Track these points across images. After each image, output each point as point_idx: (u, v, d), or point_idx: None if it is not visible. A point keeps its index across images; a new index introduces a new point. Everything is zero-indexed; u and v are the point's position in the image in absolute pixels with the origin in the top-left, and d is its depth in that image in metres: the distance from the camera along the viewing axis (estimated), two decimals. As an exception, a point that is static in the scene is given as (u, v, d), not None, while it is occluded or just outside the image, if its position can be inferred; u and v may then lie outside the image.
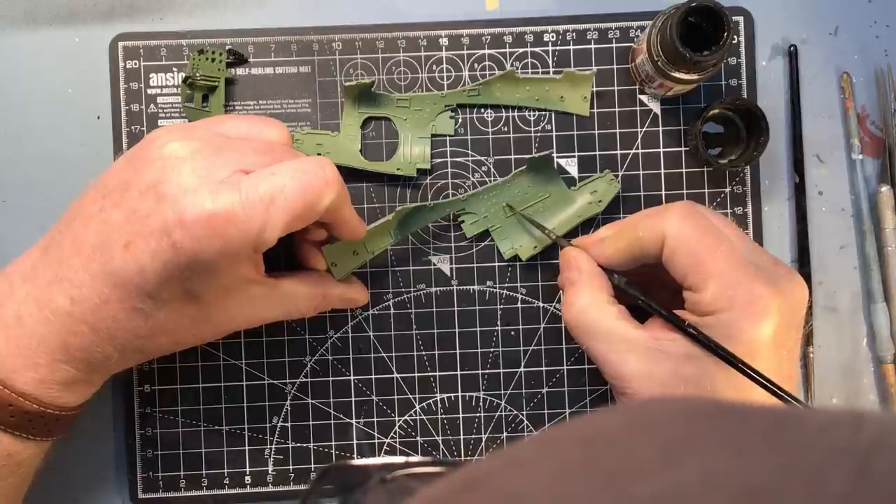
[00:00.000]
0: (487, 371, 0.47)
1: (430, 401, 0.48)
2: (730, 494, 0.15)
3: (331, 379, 0.47)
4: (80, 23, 0.48)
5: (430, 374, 0.47)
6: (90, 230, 0.36)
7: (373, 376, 0.47)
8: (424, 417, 0.47)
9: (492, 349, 0.47)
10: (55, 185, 0.47)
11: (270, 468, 0.47)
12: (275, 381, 0.47)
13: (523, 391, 0.48)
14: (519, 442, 0.21)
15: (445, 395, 0.47)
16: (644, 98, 0.48)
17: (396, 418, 0.47)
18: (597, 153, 0.48)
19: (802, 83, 0.48)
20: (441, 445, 0.47)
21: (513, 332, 0.48)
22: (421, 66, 0.47)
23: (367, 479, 0.28)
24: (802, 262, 0.48)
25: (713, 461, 0.16)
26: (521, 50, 0.47)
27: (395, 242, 0.46)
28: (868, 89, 0.48)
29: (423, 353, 0.47)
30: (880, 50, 0.48)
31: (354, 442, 0.47)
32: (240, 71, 0.47)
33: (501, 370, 0.47)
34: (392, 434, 0.47)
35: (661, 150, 0.48)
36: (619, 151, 0.47)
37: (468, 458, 0.48)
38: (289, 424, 0.47)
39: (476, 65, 0.48)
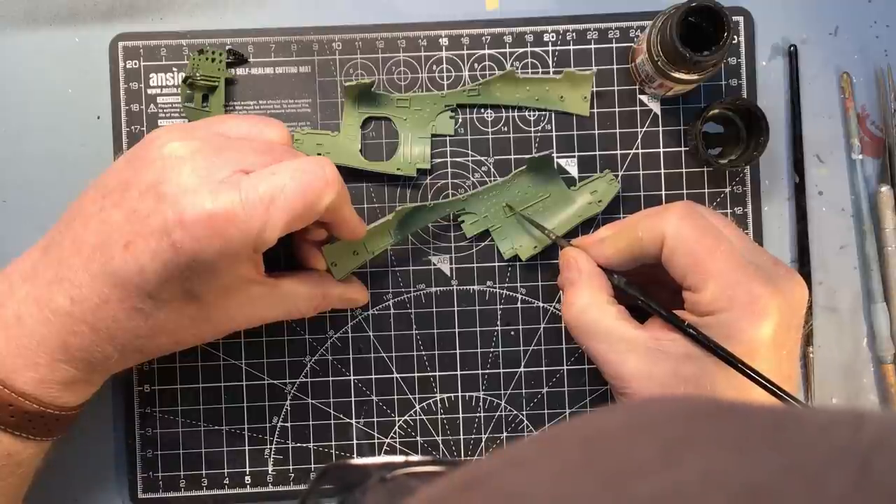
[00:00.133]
0: (487, 371, 0.47)
1: (430, 401, 0.48)
2: (730, 494, 0.15)
3: (331, 379, 0.47)
4: (80, 23, 0.48)
5: (430, 374, 0.47)
6: (90, 230, 0.36)
7: (373, 376, 0.47)
8: (424, 417, 0.47)
9: (492, 349, 0.47)
10: (55, 185, 0.47)
11: (270, 468, 0.47)
12: (275, 381, 0.47)
13: (523, 391, 0.48)
14: (519, 441, 0.21)
15: (445, 395, 0.47)
16: (644, 98, 0.48)
17: (396, 418, 0.47)
18: (597, 153, 0.48)
19: (802, 83, 0.48)
20: (441, 445, 0.47)
21: (513, 332, 0.48)
22: (421, 66, 0.47)
23: (367, 478, 0.28)
24: (802, 262, 0.48)
25: (713, 461, 0.16)
26: (521, 50, 0.47)
27: (395, 242, 0.46)
28: (868, 89, 0.48)
29: (423, 353, 0.47)
30: (880, 50, 0.48)
31: (354, 442, 0.47)
32: (240, 71, 0.47)
33: (501, 370, 0.47)
34: (392, 434, 0.47)
35: (661, 150, 0.48)
36: (619, 151, 0.47)
37: (468, 458, 0.48)
38: (289, 424, 0.47)
39: (476, 65, 0.48)
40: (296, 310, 0.43)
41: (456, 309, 0.47)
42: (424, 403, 0.48)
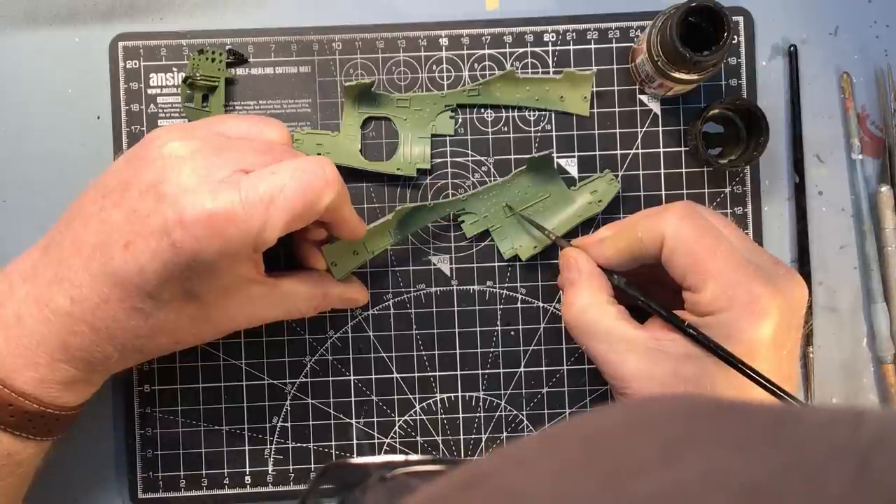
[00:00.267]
0: (487, 371, 0.47)
1: (430, 401, 0.48)
2: (730, 492, 0.15)
3: (331, 379, 0.47)
4: (80, 23, 0.48)
5: (430, 374, 0.47)
6: (90, 230, 0.36)
7: (373, 376, 0.47)
8: (424, 417, 0.47)
9: (492, 349, 0.47)
10: (55, 185, 0.47)
11: (270, 468, 0.47)
12: (275, 381, 0.47)
13: (523, 391, 0.48)
14: (519, 440, 0.21)
15: (445, 395, 0.47)
16: (644, 98, 0.48)
17: (396, 418, 0.47)
18: (597, 153, 0.48)
19: (802, 83, 0.48)
20: (441, 445, 0.47)
21: (513, 332, 0.48)
22: (421, 66, 0.47)
23: (367, 477, 0.28)
24: (802, 262, 0.48)
25: (713, 459, 0.16)
26: (521, 50, 0.47)
27: (395, 242, 0.46)
28: (868, 89, 0.48)
29: (423, 353, 0.47)
30: (880, 50, 0.48)
31: (354, 442, 0.47)
32: (240, 71, 0.47)
33: (501, 370, 0.47)
34: (392, 434, 0.47)
35: (661, 150, 0.48)
36: (619, 151, 0.47)
37: (468, 457, 0.48)
38: (289, 424, 0.47)
39: (476, 65, 0.48)
40: (296, 310, 0.43)
41: (456, 309, 0.47)
42: (424, 403, 0.48)
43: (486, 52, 0.48)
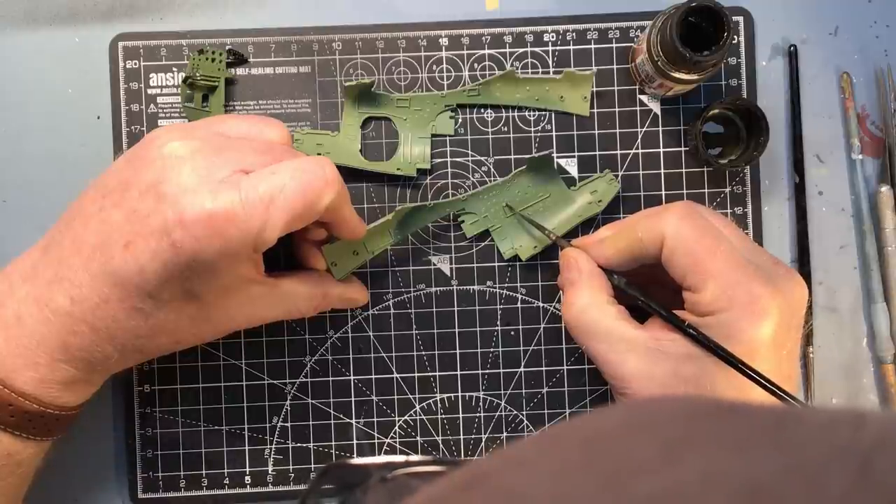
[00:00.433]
0: (487, 371, 0.47)
1: (430, 401, 0.48)
2: (730, 493, 0.15)
3: (331, 379, 0.47)
4: (80, 23, 0.48)
5: (430, 374, 0.47)
6: (90, 230, 0.36)
7: (373, 376, 0.47)
8: (424, 417, 0.47)
9: (492, 349, 0.47)
10: (55, 185, 0.47)
11: (270, 468, 0.47)
12: (275, 381, 0.47)
13: (523, 391, 0.48)
14: (519, 441, 0.21)
15: (445, 395, 0.47)
16: (644, 98, 0.48)
17: (396, 418, 0.47)
18: (597, 153, 0.48)
19: (802, 83, 0.48)
20: (441, 445, 0.47)
21: (513, 332, 0.48)
22: (421, 66, 0.47)
23: (368, 477, 0.28)
24: (802, 262, 0.48)
25: (714, 460, 0.16)
26: (521, 50, 0.47)
27: (395, 242, 0.46)
28: (868, 89, 0.48)
29: (423, 353, 0.47)
30: (880, 50, 0.48)
31: (354, 442, 0.47)
32: (240, 71, 0.47)
33: (501, 370, 0.47)
34: (392, 434, 0.47)
35: (661, 150, 0.48)
36: (619, 151, 0.47)
37: (468, 458, 0.48)
38: (289, 424, 0.47)
39: (476, 65, 0.48)
40: (296, 310, 0.43)
41: (456, 309, 0.47)
42: (424, 403, 0.48)
43: (486, 52, 0.48)
